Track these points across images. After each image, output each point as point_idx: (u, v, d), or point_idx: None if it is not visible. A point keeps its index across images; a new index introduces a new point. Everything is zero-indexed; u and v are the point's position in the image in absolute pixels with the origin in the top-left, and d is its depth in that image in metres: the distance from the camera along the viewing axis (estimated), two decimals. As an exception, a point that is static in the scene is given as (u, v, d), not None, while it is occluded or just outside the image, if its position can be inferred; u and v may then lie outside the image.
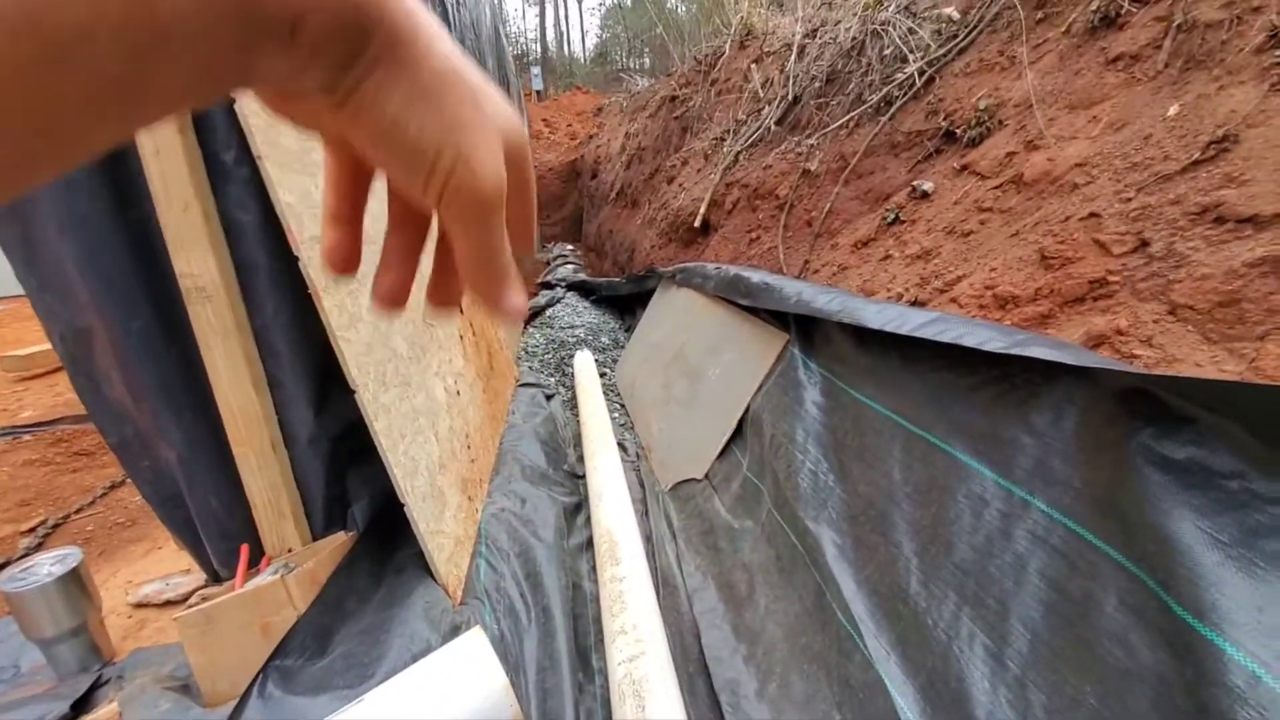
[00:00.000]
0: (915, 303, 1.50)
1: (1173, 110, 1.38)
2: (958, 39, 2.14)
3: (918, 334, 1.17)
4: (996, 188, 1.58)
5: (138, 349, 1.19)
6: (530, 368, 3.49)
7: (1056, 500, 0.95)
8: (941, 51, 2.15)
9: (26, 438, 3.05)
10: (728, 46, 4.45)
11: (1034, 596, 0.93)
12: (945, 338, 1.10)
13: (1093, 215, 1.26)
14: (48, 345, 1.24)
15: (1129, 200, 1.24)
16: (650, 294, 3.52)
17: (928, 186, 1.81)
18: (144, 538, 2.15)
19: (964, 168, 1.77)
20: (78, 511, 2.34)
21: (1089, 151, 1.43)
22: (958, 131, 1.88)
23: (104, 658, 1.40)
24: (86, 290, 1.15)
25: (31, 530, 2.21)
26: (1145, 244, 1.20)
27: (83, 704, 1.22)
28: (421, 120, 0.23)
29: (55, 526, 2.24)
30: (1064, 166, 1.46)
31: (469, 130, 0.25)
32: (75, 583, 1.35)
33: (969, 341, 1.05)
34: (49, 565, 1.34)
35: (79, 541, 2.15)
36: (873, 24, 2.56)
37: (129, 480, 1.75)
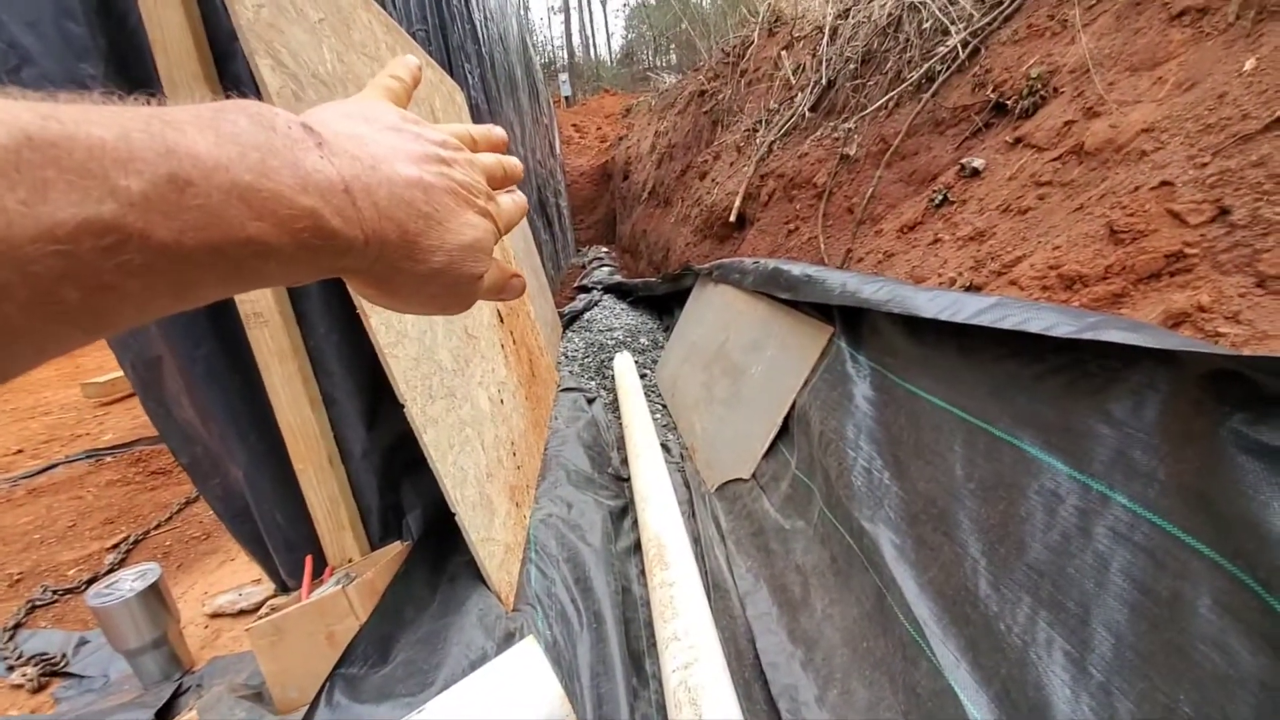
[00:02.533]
0: (970, 287, 1.42)
1: (1249, 65, 1.26)
2: (1003, 6, 2.02)
3: (975, 321, 1.10)
4: (1055, 160, 1.48)
5: (204, 374, 1.25)
6: (571, 372, 3.51)
7: (1139, 494, 0.89)
8: (986, 20, 2.04)
9: (108, 459, 3.27)
10: (756, 35, 4.37)
11: (1117, 598, 0.87)
12: (1006, 324, 1.04)
13: (1164, 184, 1.16)
14: (123, 371, 1.32)
15: (1204, 165, 1.15)
16: (687, 293, 3.49)
17: (978, 163, 1.72)
18: (218, 550, 2.27)
19: (1017, 141, 1.67)
20: (156, 527, 2.49)
21: (1156, 115, 1.33)
22: (1008, 103, 1.77)
23: (184, 666, 1.48)
24: (154, 321, 1.21)
25: (115, 546, 2.36)
26: (1225, 211, 1.10)
27: (166, 711, 1.29)
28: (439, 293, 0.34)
29: (136, 542, 2.39)
30: (1129, 133, 1.36)
31: (479, 246, 0.34)
32: (155, 596, 1.44)
33: (1033, 327, 0.98)
34: (131, 580, 1.42)
35: (158, 555, 2.28)
36: (908, -2, 2.46)
37: (202, 497, 1.85)
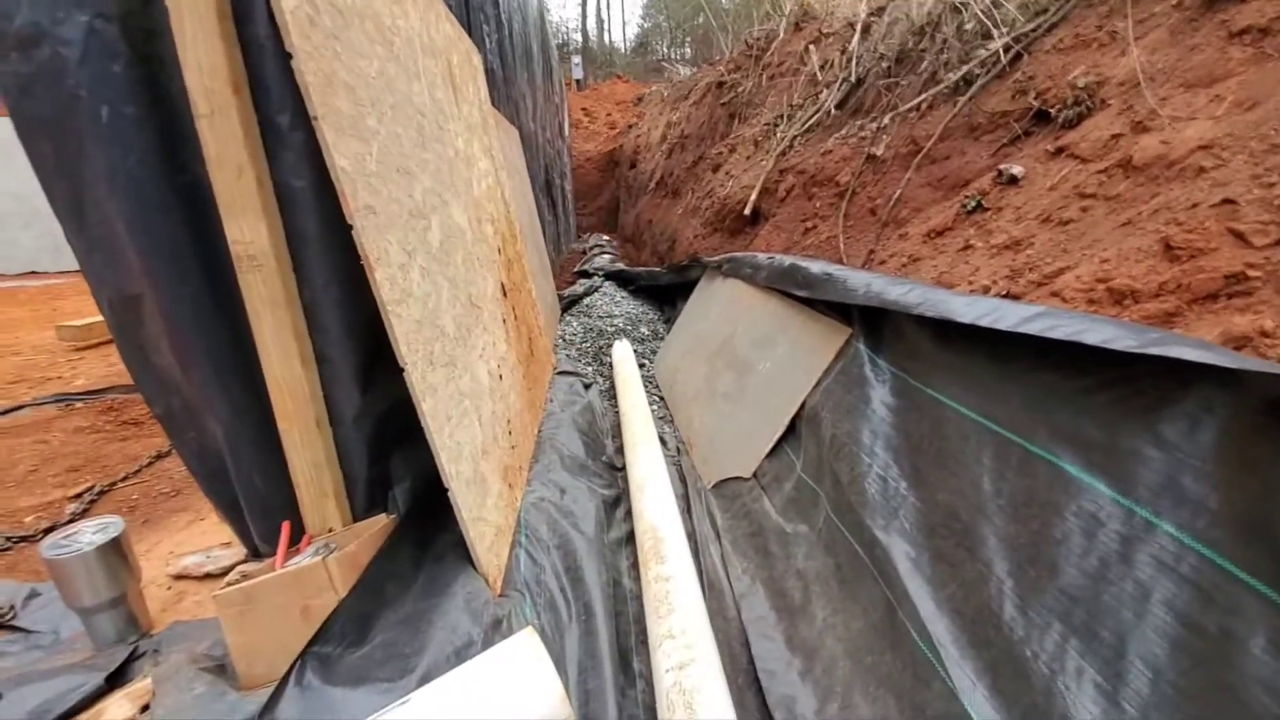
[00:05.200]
0: (1007, 296, 1.37)
1: (1316, 87, 1.21)
2: (1049, 13, 1.96)
3: (1020, 330, 1.04)
4: (1100, 172, 1.43)
5: (188, 317, 1.15)
6: (568, 356, 3.43)
7: (1188, 523, 0.83)
8: (1030, 27, 1.98)
9: (78, 405, 3.13)
10: (781, 29, 4.28)
11: (1158, 631, 0.81)
12: (1057, 334, 0.98)
13: (1226, 202, 1.11)
14: (103, 315, 1.21)
15: (1271, 185, 1.09)
16: (692, 285, 3.41)
17: (1017, 171, 1.66)
18: (187, 508, 2.16)
19: (1060, 150, 1.62)
20: (124, 479, 2.37)
21: (1215, 133, 1.27)
22: (1051, 111, 1.71)
23: (141, 629, 1.39)
24: (136, 254, 1.11)
25: (78, 496, 2.24)
26: (1290, 235, 1.05)
27: (118, 676, 1.20)
28: None
29: (101, 493, 2.27)
30: (1183, 149, 1.30)
31: None
32: (116, 552, 1.34)
33: (1091, 339, 0.92)
34: (90, 533, 1.32)
35: (124, 509, 2.17)
36: None
37: (175, 451, 1.74)
